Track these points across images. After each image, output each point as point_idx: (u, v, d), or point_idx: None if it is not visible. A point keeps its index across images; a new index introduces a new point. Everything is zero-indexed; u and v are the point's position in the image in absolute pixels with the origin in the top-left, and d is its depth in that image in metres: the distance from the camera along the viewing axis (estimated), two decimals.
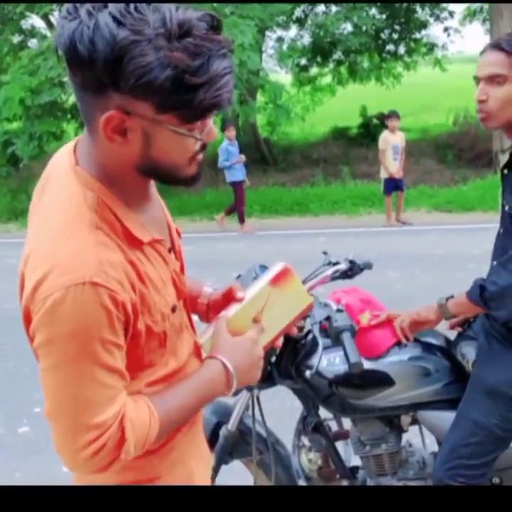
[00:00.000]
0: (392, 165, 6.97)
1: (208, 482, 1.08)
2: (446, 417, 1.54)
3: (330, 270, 1.64)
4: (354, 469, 1.71)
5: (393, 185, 7.03)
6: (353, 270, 1.66)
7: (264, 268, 1.54)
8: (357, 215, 7.85)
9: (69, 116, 9.76)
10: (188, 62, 0.73)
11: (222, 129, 7.25)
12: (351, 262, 1.66)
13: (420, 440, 1.73)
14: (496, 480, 1.57)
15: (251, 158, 10.99)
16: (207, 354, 0.98)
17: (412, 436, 1.69)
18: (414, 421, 1.64)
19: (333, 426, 1.73)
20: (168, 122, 0.78)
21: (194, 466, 1.03)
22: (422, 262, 5.25)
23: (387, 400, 1.54)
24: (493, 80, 1.39)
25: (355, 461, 1.71)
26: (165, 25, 0.73)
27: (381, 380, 1.52)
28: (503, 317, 1.43)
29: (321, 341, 1.40)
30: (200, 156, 0.86)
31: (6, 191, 8.64)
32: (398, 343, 1.56)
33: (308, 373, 1.42)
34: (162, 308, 0.90)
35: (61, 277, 0.78)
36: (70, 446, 0.83)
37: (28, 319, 0.82)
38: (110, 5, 0.72)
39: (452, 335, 1.65)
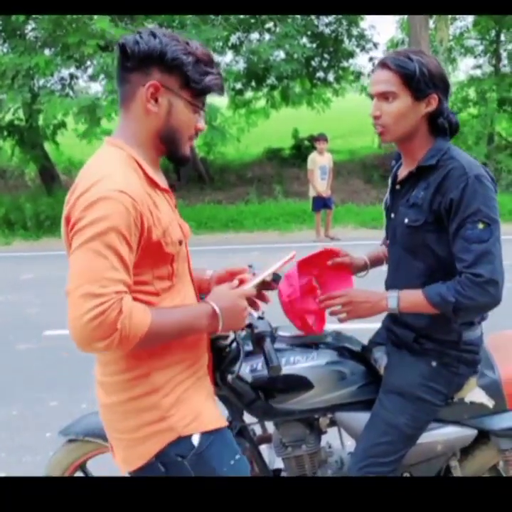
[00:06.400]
0: (319, 184, 7.27)
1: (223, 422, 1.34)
2: (361, 418, 1.62)
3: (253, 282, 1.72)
4: (277, 471, 1.78)
5: (321, 203, 7.34)
6: (276, 281, 1.75)
7: None
8: (289, 231, 8.08)
9: (5, 133, 9.45)
10: (204, 57, 1.21)
11: None
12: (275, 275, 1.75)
13: (340, 442, 1.83)
14: (406, 475, 1.67)
15: (189, 176, 11.05)
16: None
17: (332, 438, 1.79)
18: (333, 423, 1.71)
19: (258, 430, 1.80)
20: (185, 96, 1.20)
21: (199, 404, 1.30)
22: None
23: (307, 402, 1.60)
24: (384, 96, 1.46)
25: (278, 463, 1.78)
26: (188, 42, 1.22)
27: (300, 384, 1.59)
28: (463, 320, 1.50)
29: (243, 348, 1.47)
30: (193, 141, 1.27)
31: None
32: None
33: (230, 378, 1.48)
34: (172, 234, 1.22)
35: (99, 189, 1.11)
36: (77, 312, 1.07)
37: (67, 221, 1.14)
38: (159, 30, 1.22)
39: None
